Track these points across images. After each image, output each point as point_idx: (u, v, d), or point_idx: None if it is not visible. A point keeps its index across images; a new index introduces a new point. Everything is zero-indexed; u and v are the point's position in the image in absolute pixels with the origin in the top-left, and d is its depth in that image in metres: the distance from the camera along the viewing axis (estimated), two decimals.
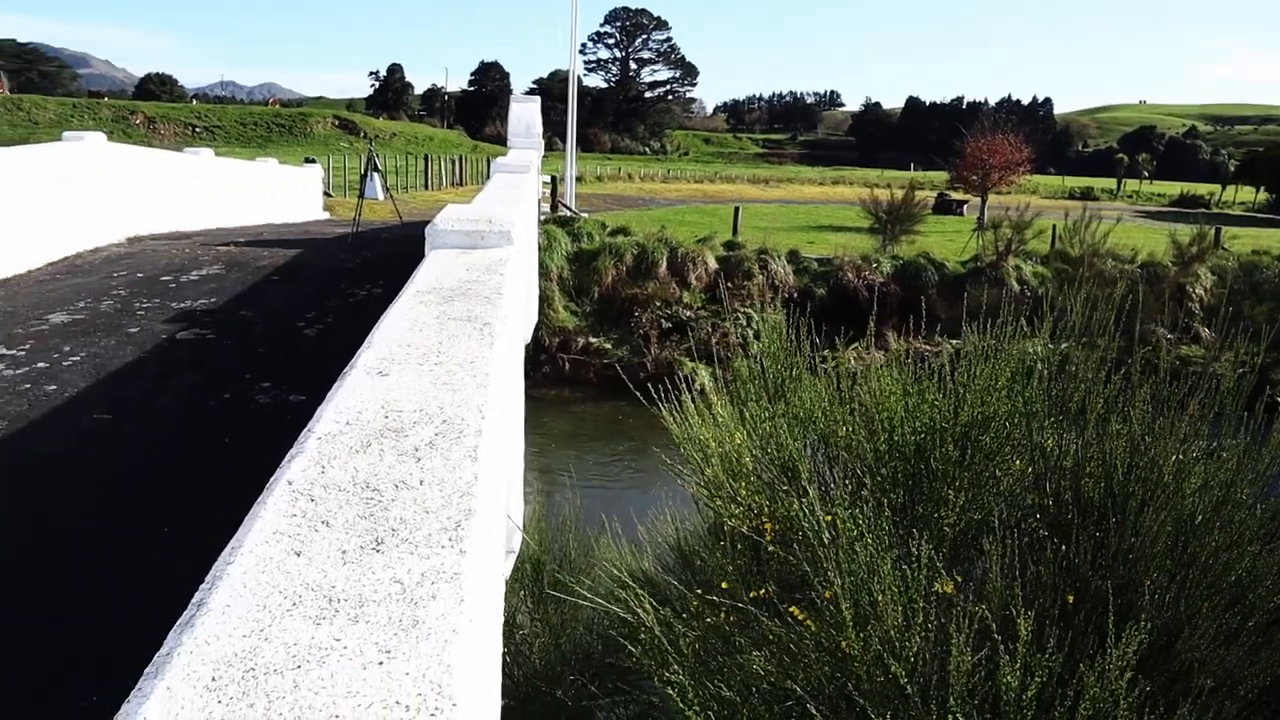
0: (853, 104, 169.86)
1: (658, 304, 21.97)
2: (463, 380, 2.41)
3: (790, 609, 3.98)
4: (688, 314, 22.04)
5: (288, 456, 2.01)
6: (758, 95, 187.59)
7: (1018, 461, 4.16)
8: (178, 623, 1.41)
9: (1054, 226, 25.35)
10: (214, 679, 1.23)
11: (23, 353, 7.30)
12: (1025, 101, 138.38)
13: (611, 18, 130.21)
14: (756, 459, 4.40)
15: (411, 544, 1.60)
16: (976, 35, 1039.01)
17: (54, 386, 6.54)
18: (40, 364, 7.01)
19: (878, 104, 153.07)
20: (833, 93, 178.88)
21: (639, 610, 3.45)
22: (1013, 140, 38.66)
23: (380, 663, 1.28)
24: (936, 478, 3.81)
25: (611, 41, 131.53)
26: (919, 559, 3.04)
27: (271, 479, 1.93)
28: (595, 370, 20.30)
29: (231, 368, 7.18)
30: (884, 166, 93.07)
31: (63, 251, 11.37)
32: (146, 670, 1.30)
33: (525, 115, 12.99)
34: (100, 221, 12.52)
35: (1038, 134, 60.83)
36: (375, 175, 18.58)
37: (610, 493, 13.40)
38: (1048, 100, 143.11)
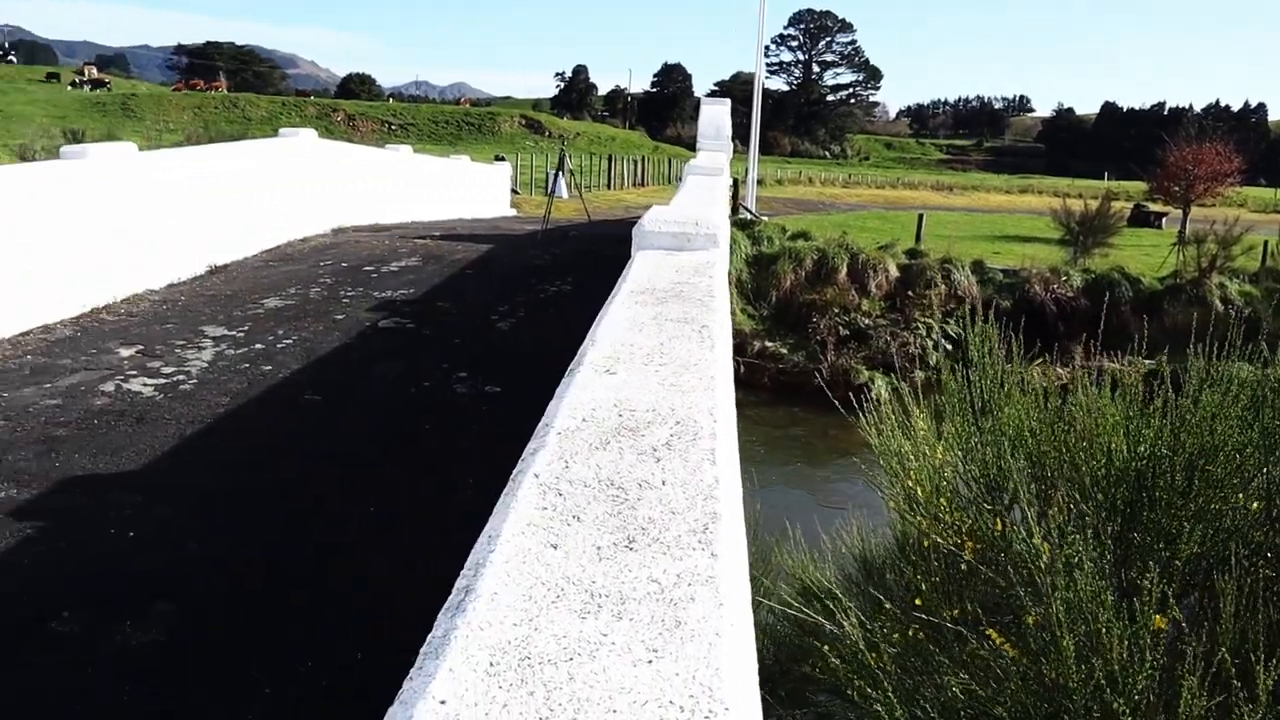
0: (1043, 109, 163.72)
1: (836, 310, 21.67)
2: (689, 382, 2.43)
3: (988, 631, 3.85)
4: (866, 322, 21.66)
5: (529, 449, 2.06)
6: (942, 100, 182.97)
7: (1243, 496, 3.91)
8: (446, 605, 1.46)
9: (1266, 243, 23.75)
10: (492, 664, 1.26)
11: (242, 334, 7.78)
12: (1235, 108, 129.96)
13: (795, 20, 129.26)
14: (959, 475, 4.28)
15: (662, 544, 1.61)
16: (1180, 38, 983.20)
17: (269, 367, 6.94)
18: (257, 345, 7.46)
19: (1070, 109, 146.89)
20: (1022, 97, 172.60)
21: (843, 622, 3.40)
22: (1221, 149, 36.38)
23: (649, 661, 1.29)
24: (1159, 507, 3.61)
25: (795, 44, 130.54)
26: (1148, 591, 2.89)
27: (515, 471, 1.98)
28: (770, 375, 20.18)
29: (430, 357, 7.45)
30: (1075, 175, 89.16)
31: (275, 240, 12.06)
32: (423, 650, 1.35)
33: (715, 117, 13.02)
34: (309, 213, 13.22)
35: (1249, 143, 57.10)
36: (562, 174, 19.00)
37: (786, 498, 13.29)
38: (1261, 106, 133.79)
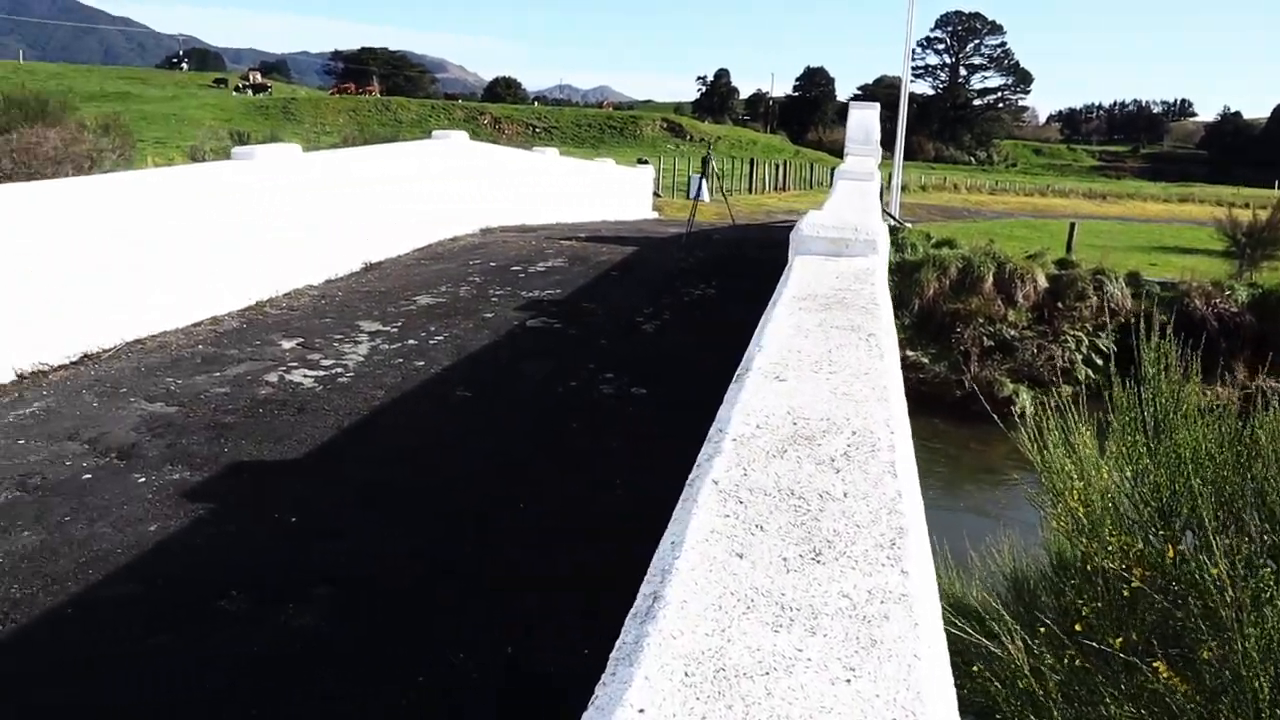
0: (1206, 113, 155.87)
1: (980, 320, 21.07)
2: (862, 391, 2.37)
3: (1156, 664, 3.66)
4: (1012, 333, 21.00)
5: (704, 455, 2.04)
6: (1096, 104, 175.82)
7: None
8: (633, 611, 1.45)
9: None
10: (687, 674, 1.25)
11: (395, 329, 8.01)
12: None
13: (942, 22, 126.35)
14: (1128, 496, 4.08)
15: (850, 558, 1.57)
16: None
17: (422, 362, 7.13)
18: (410, 341, 7.67)
19: (1237, 113, 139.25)
20: (1183, 101, 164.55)
21: (1007, 644, 3.28)
22: None
23: (847, 680, 1.25)
24: None
25: (941, 47, 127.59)
26: None
27: (692, 475, 1.96)
28: (910, 384, 19.74)
29: (576, 356, 7.53)
30: (1241, 183, 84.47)
31: (427, 239, 12.40)
32: (614, 655, 1.34)
33: (865, 121, 12.82)
34: (458, 213, 13.55)
35: None
36: (706, 177, 18.99)
37: (927, 513, 12.97)
38: None
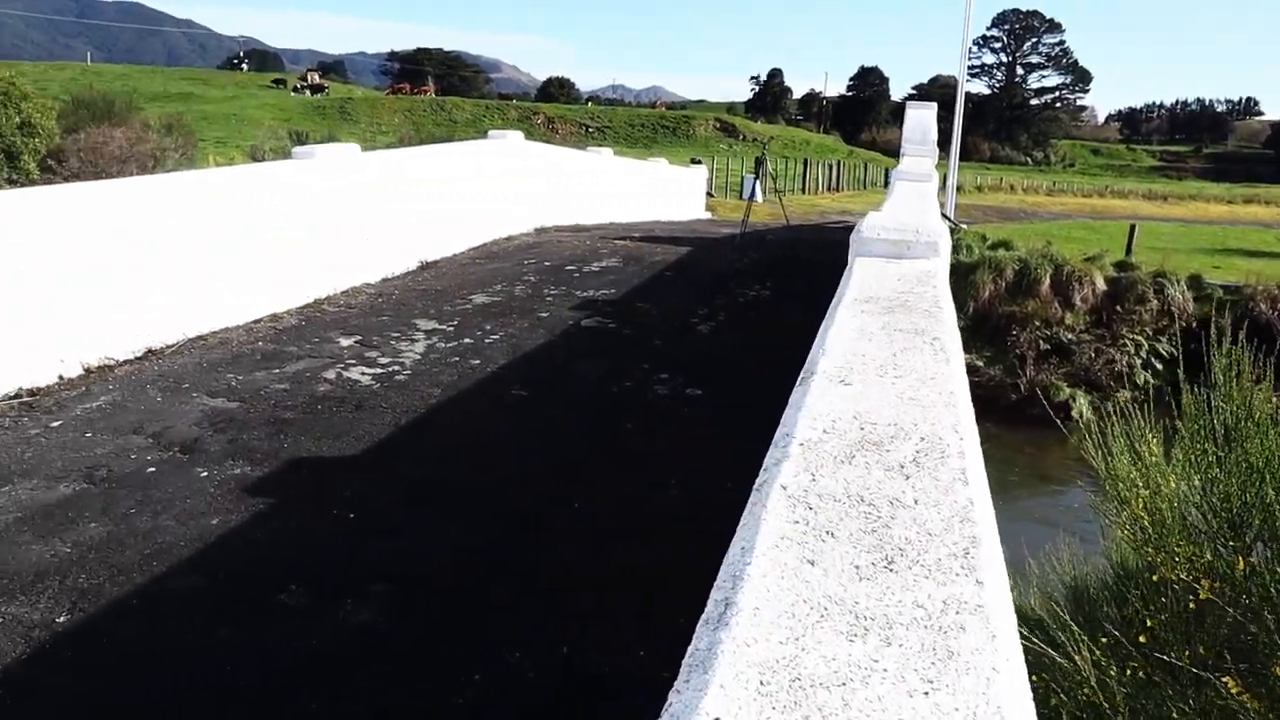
0: (1273, 112, 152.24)
1: (1037, 323, 20.77)
2: (929, 396, 2.34)
3: (1224, 679, 3.58)
4: (1069, 336, 20.67)
5: (771, 459, 2.02)
6: (1157, 103, 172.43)
7: None
8: (704, 617, 1.44)
9: None
10: (762, 683, 1.23)
11: (451, 328, 8.06)
12: None
13: (999, 20, 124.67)
14: (1196, 506, 3.99)
15: (923, 567, 1.54)
16: None
17: (478, 361, 7.16)
18: (466, 339, 7.72)
19: None
20: (1248, 99, 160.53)
21: (1074, 655, 3.22)
22: None
23: (925, 693, 1.23)
24: None
25: (998, 45, 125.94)
26: None
27: (760, 479, 1.95)
28: None
29: (631, 356, 7.53)
30: None
31: (482, 238, 12.47)
32: (687, 661, 1.33)
33: (921, 122, 12.68)
34: (513, 212, 13.62)
35: None
36: (759, 177, 18.91)
37: None
38: None
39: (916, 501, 1.78)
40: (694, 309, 9.21)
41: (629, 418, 6.22)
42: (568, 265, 11.18)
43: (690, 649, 1.36)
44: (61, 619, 3.67)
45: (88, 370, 6.55)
